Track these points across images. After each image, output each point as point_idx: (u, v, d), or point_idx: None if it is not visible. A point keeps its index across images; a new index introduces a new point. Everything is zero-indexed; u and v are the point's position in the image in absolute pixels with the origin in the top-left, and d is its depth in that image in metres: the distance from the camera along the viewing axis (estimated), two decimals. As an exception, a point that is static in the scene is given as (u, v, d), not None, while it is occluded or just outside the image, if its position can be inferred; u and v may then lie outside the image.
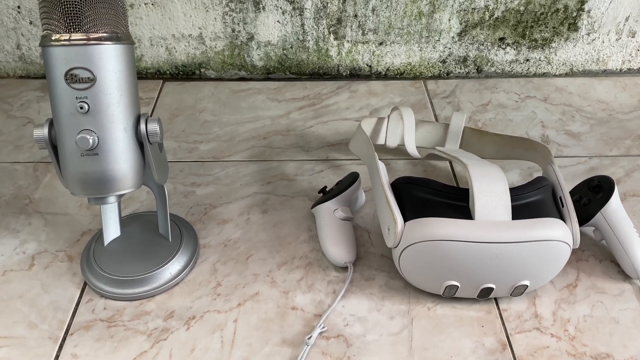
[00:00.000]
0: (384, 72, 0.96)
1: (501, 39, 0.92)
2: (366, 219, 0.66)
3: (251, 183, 0.72)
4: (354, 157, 0.77)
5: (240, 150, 0.78)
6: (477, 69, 0.96)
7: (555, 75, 0.97)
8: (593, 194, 0.60)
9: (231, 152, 0.78)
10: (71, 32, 0.45)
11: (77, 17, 0.44)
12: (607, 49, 0.94)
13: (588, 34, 0.92)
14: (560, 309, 0.56)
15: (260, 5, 0.88)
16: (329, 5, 0.88)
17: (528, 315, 0.55)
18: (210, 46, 0.92)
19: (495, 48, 0.93)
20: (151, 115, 0.86)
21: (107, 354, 0.51)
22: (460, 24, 0.90)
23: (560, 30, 0.91)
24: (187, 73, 0.95)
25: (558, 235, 0.49)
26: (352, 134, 0.80)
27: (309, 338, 0.51)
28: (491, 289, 0.53)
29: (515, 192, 0.51)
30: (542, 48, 0.93)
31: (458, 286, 0.52)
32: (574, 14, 0.89)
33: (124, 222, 0.62)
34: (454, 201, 0.51)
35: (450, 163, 0.76)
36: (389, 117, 0.75)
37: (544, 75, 0.97)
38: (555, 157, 0.77)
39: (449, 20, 0.90)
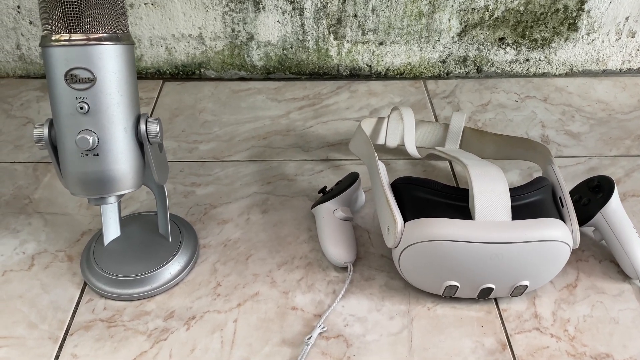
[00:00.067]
0: (383, 72, 0.96)
1: (501, 39, 0.92)
2: (366, 219, 0.66)
3: (251, 183, 0.72)
4: (353, 157, 0.77)
5: (240, 150, 0.78)
6: (477, 69, 0.96)
7: (555, 75, 0.97)
8: (593, 194, 0.60)
9: (231, 152, 0.78)
10: (71, 32, 0.45)
11: (77, 17, 0.44)
12: (607, 49, 0.94)
13: (588, 34, 0.92)
14: (560, 309, 0.56)
15: (260, 5, 0.88)
16: (328, 5, 0.87)
17: (528, 315, 0.55)
18: (210, 46, 0.92)
19: (495, 48, 0.93)
20: (151, 115, 0.86)
21: (107, 354, 0.51)
22: (460, 24, 0.90)
23: (560, 30, 0.91)
24: (187, 73, 0.95)
25: (558, 235, 0.49)
26: (352, 134, 0.80)
27: (309, 338, 0.51)
28: (491, 289, 0.53)
29: (515, 192, 0.51)
30: (542, 48, 0.93)
31: (458, 286, 0.52)
32: (574, 14, 0.89)
33: (124, 222, 0.62)
34: (454, 201, 0.51)
35: (450, 163, 0.76)
36: (388, 117, 0.75)
37: (544, 75, 0.97)
38: (555, 157, 0.76)
39: (449, 20, 0.90)
